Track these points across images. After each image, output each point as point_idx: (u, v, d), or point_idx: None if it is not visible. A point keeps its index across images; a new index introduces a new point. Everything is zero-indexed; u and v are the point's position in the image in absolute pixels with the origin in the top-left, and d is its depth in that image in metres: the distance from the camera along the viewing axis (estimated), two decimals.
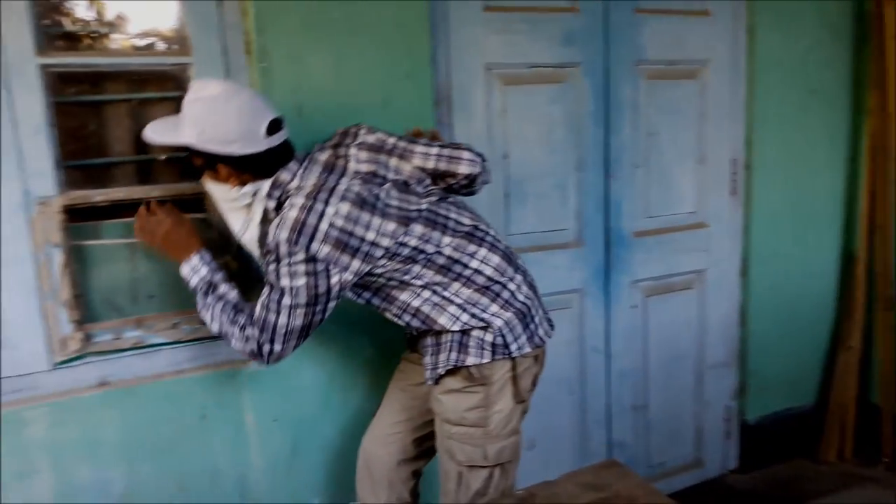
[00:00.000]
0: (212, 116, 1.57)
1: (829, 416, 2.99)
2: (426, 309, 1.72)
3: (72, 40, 1.87)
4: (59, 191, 1.81)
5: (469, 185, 1.84)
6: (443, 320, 1.71)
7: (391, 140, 1.76)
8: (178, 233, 1.73)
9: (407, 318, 1.75)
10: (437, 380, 1.75)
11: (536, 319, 1.79)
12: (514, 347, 1.72)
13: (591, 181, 2.45)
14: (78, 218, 1.86)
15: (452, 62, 2.19)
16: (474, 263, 1.71)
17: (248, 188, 1.65)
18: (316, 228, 1.54)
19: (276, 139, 1.63)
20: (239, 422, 2.04)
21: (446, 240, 1.69)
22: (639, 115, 2.49)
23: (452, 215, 1.73)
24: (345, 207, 1.57)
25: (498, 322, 1.71)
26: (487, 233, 1.77)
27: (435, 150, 1.77)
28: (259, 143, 1.60)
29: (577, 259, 2.48)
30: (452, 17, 2.17)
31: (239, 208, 1.70)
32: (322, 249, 1.55)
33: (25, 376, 1.84)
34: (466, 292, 1.71)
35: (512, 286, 1.74)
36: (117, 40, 1.94)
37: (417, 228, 1.65)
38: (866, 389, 3.00)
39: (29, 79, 1.73)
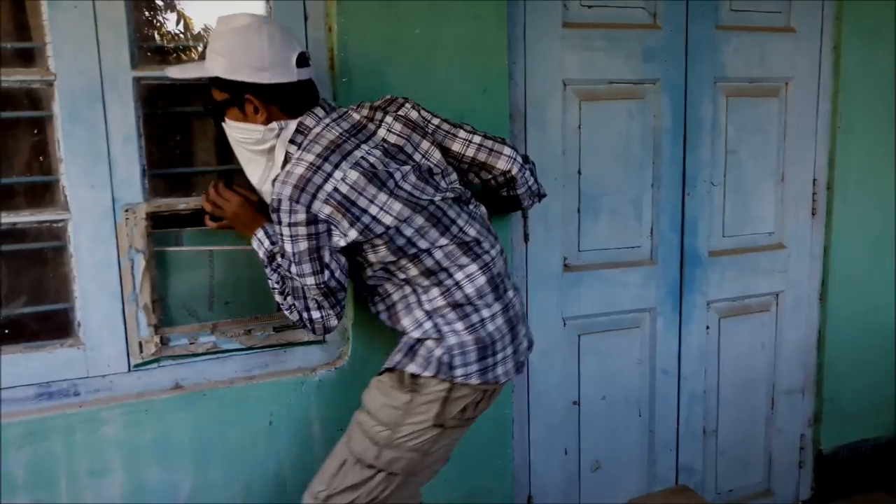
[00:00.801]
0: (242, 42, 1.56)
1: None
2: (400, 306, 1.68)
3: (162, 54, 1.93)
4: (145, 198, 1.86)
5: (507, 185, 1.82)
6: (406, 321, 1.67)
7: (435, 121, 1.73)
8: (245, 210, 1.76)
9: (381, 307, 1.72)
10: (381, 371, 1.71)
11: (499, 356, 1.69)
12: (458, 372, 1.64)
13: (666, 198, 2.41)
14: (161, 225, 1.91)
15: (529, 78, 2.18)
16: (459, 276, 1.65)
17: (275, 125, 1.61)
18: (319, 188, 1.52)
19: (305, 73, 1.61)
20: (305, 430, 2.05)
21: (442, 241, 1.63)
22: (718, 132, 2.44)
23: (460, 221, 1.67)
24: (353, 175, 1.55)
25: (452, 340, 1.64)
26: (487, 252, 1.70)
27: (478, 139, 1.75)
28: (291, 72, 1.58)
29: (649, 277, 2.44)
30: (530, 33, 2.16)
31: (261, 153, 1.66)
32: (324, 209, 1.53)
33: (104, 377, 1.89)
34: (440, 302, 1.65)
35: (485, 312, 1.67)
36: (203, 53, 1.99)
37: (419, 219, 1.60)
38: None
39: (123, 91, 1.79)
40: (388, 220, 1.57)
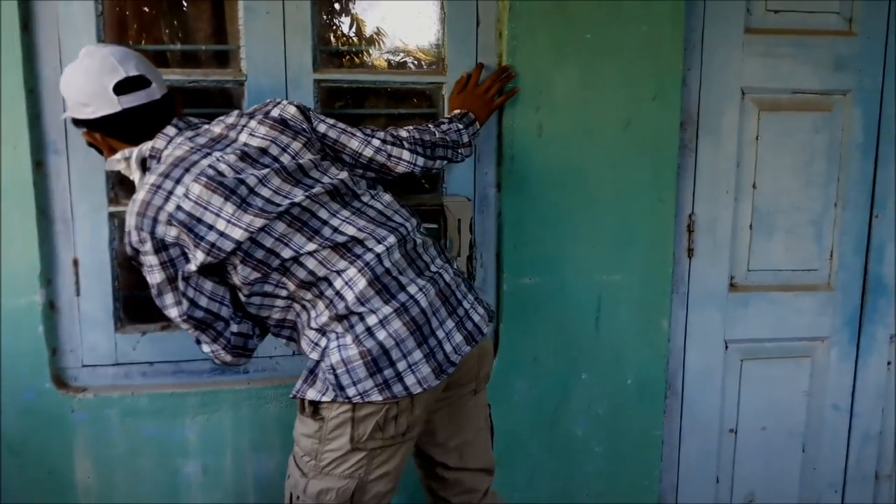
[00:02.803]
0: (67, 80, 1.53)
1: None
2: (298, 328, 1.54)
3: (337, 57, 2.02)
4: None
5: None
6: (303, 344, 1.52)
7: (329, 120, 1.64)
8: None
9: (285, 336, 1.59)
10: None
11: (401, 365, 1.45)
12: (351, 392, 1.44)
13: (851, 219, 2.22)
14: None
15: (704, 85, 2.09)
16: (338, 283, 1.46)
17: (118, 155, 1.54)
18: (160, 209, 1.42)
19: (133, 100, 1.51)
20: None
21: (311, 246, 1.46)
22: None
23: (334, 221, 1.50)
24: (196, 188, 1.42)
25: (335, 357, 1.44)
26: (370, 249, 1.49)
27: (377, 142, 1.64)
28: (111, 102, 1.49)
29: (826, 304, 2.25)
30: (708, 38, 2.07)
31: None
32: (169, 233, 1.42)
33: (271, 358, 2.02)
34: (325, 316, 1.47)
35: (371, 319, 1.45)
36: (376, 57, 2.07)
37: (279, 226, 1.45)
38: None
39: (304, 91, 1.89)
40: (237, 233, 1.42)
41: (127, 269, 1.89)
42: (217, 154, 1.48)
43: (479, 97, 1.88)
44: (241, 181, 1.44)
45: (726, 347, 2.24)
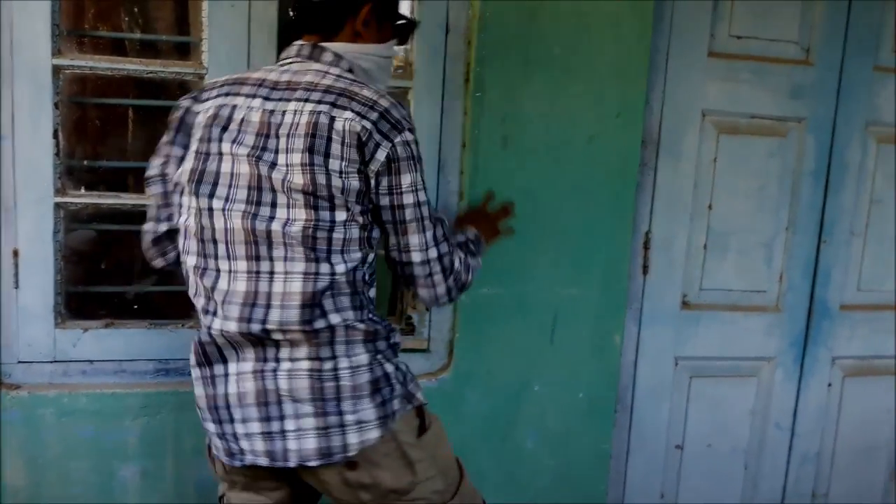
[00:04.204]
0: None
1: None
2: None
3: None
4: None
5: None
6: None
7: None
8: None
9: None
10: None
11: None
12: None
13: (800, 244, 2.28)
14: None
15: (666, 105, 2.11)
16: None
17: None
18: None
19: None
20: None
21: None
22: (864, 179, 2.29)
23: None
24: None
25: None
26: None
27: (434, 252, 1.42)
28: None
29: (773, 325, 2.31)
30: (673, 60, 2.10)
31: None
32: None
33: None
34: None
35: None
36: None
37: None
38: None
39: None
40: None
41: (72, 261, 1.82)
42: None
43: (490, 221, 1.82)
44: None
45: (676, 364, 2.27)
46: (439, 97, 1.94)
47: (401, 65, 1.98)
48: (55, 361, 1.85)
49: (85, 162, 1.91)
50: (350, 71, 1.37)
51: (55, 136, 1.76)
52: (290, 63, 1.37)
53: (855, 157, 2.26)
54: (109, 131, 1.97)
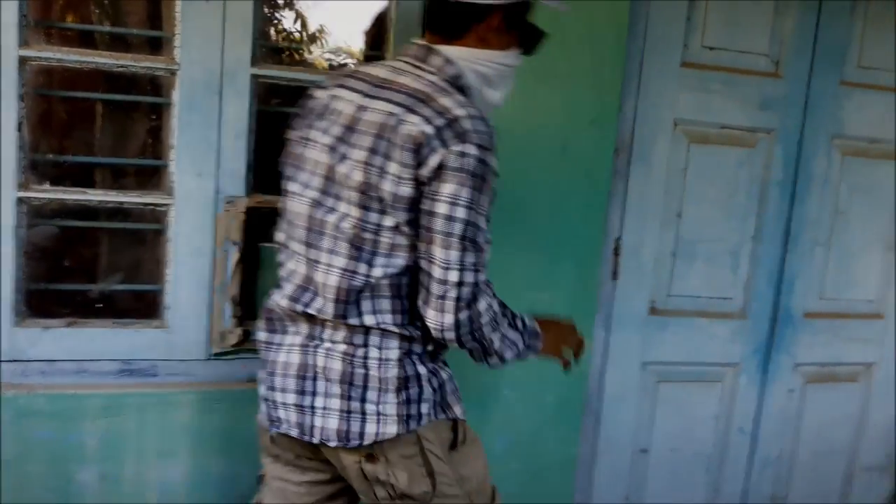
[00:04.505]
0: None
1: None
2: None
3: (278, 53, 1.96)
4: (247, 192, 1.88)
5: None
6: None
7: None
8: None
9: None
10: None
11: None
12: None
13: (766, 252, 2.32)
14: (258, 220, 1.93)
15: (639, 113, 2.14)
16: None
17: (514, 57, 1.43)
18: None
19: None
20: None
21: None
22: (829, 190, 2.34)
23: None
24: None
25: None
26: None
27: (454, 275, 1.32)
28: None
29: (738, 332, 2.35)
30: (647, 69, 2.12)
31: None
32: None
33: (183, 362, 1.92)
34: None
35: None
36: (318, 56, 2.02)
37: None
38: None
39: (240, 86, 1.82)
40: None
41: (34, 258, 1.76)
42: None
43: (560, 337, 1.59)
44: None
45: (643, 369, 2.29)
46: None
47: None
48: (13, 361, 1.80)
49: (50, 156, 1.86)
50: (458, 76, 1.34)
51: (20, 128, 1.71)
52: (401, 62, 1.37)
53: (820, 169, 2.32)
54: (76, 125, 1.93)
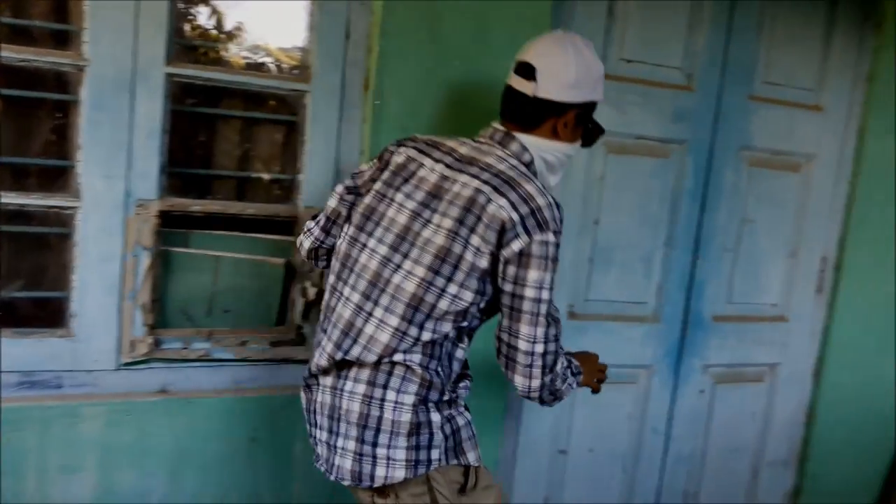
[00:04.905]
0: (592, 59, 1.51)
1: None
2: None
3: (194, 51, 1.90)
4: (159, 195, 1.82)
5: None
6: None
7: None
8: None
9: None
10: None
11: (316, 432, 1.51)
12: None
13: (678, 259, 2.40)
14: (171, 224, 1.87)
15: None
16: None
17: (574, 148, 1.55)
18: None
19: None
20: (288, 451, 2.00)
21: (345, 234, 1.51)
22: (736, 200, 2.44)
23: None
24: None
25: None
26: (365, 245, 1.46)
27: (540, 347, 1.48)
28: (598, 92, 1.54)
29: (651, 335, 2.42)
30: None
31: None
32: None
33: (90, 372, 1.84)
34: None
35: (321, 337, 1.50)
36: (235, 55, 1.97)
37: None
38: None
39: (153, 85, 1.76)
40: None
41: None
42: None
43: (592, 369, 1.71)
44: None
45: None
46: (338, 103, 1.91)
47: (298, 66, 1.94)
48: None
49: None
50: (531, 163, 1.48)
51: None
52: (482, 143, 1.50)
53: (729, 179, 2.42)
54: None
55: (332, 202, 1.56)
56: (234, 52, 1.98)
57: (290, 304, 2.00)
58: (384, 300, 1.40)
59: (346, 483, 1.44)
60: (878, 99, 2.53)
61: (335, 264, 1.50)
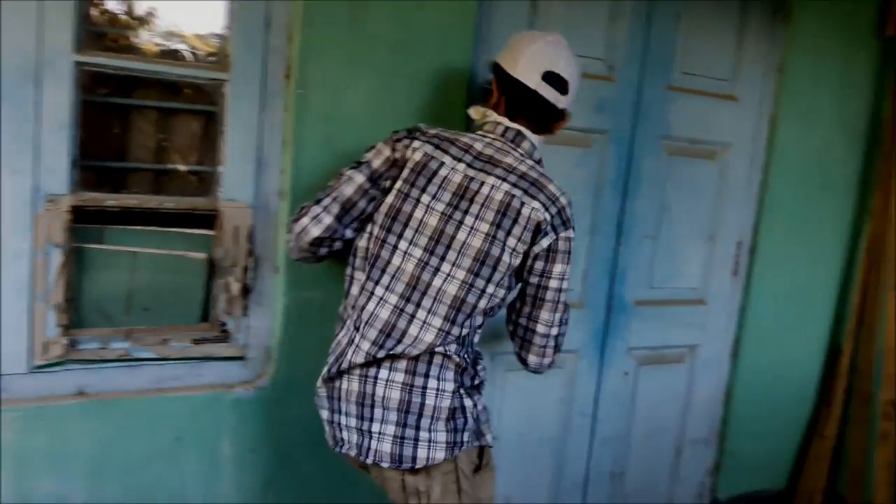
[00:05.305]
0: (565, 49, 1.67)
1: (796, 502, 3.00)
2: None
3: (105, 38, 1.81)
4: (71, 190, 1.74)
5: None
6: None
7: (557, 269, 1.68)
8: None
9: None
10: None
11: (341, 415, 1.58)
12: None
13: (601, 246, 2.45)
14: (84, 220, 1.79)
15: None
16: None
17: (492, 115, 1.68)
18: None
19: (547, 93, 1.64)
20: (214, 449, 1.96)
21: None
22: (656, 188, 2.51)
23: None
24: None
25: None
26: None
27: (555, 330, 1.72)
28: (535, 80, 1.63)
29: (577, 320, 2.46)
30: None
31: None
32: None
33: (0, 377, 1.75)
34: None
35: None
36: (148, 41, 1.89)
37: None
38: (835, 480, 3.02)
39: (61, 74, 1.68)
40: None
41: None
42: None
43: None
44: None
45: (492, 359, 2.36)
46: (258, 92, 1.86)
47: (216, 54, 1.88)
48: None
49: None
50: (540, 161, 1.63)
51: None
52: (495, 140, 1.58)
53: (649, 168, 2.48)
54: None
55: (348, 190, 1.55)
56: (148, 39, 1.91)
57: (212, 300, 1.95)
58: (426, 303, 1.48)
59: (384, 465, 1.51)
60: (788, 89, 2.64)
61: (358, 261, 1.56)
